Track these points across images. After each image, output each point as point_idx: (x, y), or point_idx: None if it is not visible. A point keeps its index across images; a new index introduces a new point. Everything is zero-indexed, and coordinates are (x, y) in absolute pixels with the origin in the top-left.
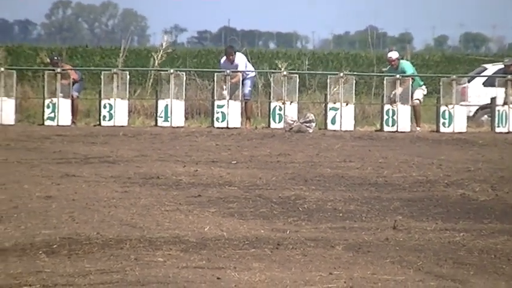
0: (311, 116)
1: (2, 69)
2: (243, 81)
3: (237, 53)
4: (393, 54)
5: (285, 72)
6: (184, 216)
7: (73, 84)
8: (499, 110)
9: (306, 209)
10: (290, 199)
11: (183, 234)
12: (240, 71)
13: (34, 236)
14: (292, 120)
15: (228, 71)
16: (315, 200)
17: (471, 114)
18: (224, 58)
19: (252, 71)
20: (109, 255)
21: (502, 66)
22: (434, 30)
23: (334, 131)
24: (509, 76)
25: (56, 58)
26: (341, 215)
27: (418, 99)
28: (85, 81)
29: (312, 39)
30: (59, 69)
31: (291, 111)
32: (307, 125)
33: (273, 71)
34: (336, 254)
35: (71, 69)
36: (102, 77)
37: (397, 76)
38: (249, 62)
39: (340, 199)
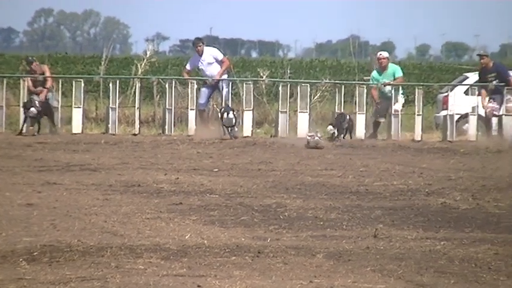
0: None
1: None
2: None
3: (207, 46)
4: (385, 53)
5: (266, 80)
6: (165, 224)
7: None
8: (482, 117)
9: (287, 217)
10: (271, 207)
11: (164, 242)
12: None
13: (15, 243)
14: (309, 136)
15: (209, 80)
16: (296, 208)
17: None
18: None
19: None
20: (90, 262)
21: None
22: (416, 39)
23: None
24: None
25: (31, 58)
26: (322, 223)
27: (397, 110)
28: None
29: (294, 48)
30: (40, 76)
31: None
32: (321, 139)
33: (255, 79)
34: (316, 262)
35: (49, 77)
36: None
37: (382, 81)
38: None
39: (321, 207)
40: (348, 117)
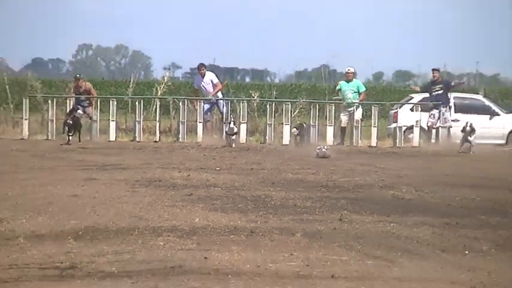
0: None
1: (39, 96)
2: (215, 103)
3: (208, 71)
4: (352, 68)
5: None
6: (179, 210)
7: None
8: (424, 129)
9: (273, 205)
10: (261, 197)
11: (179, 224)
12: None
13: (64, 225)
14: (318, 148)
15: (213, 99)
16: (280, 198)
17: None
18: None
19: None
20: (121, 240)
21: (425, 96)
22: (372, 68)
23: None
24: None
25: (78, 75)
26: (300, 209)
27: (358, 120)
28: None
29: (278, 74)
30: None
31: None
32: (327, 151)
33: (248, 98)
34: (295, 239)
35: (92, 96)
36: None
37: (351, 93)
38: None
39: (299, 197)
40: (304, 125)
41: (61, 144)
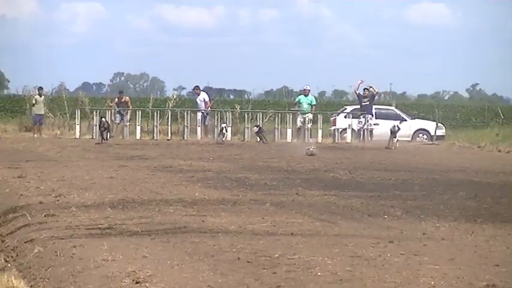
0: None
1: (87, 108)
2: (206, 114)
3: (202, 92)
4: (308, 86)
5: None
6: (184, 188)
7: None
8: (354, 130)
9: (250, 184)
10: (241, 179)
11: (184, 197)
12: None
13: (103, 198)
14: (307, 148)
15: (203, 112)
16: (255, 179)
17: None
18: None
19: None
20: (144, 208)
21: (356, 107)
22: (318, 87)
23: (268, 142)
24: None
25: (122, 90)
26: (268, 187)
27: (309, 123)
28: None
29: (253, 93)
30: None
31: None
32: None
33: (232, 110)
34: (265, 208)
35: (130, 108)
36: (139, 113)
37: (306, 104)
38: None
39: (268, 179)
40: (261, 127)
41: (96, 143)
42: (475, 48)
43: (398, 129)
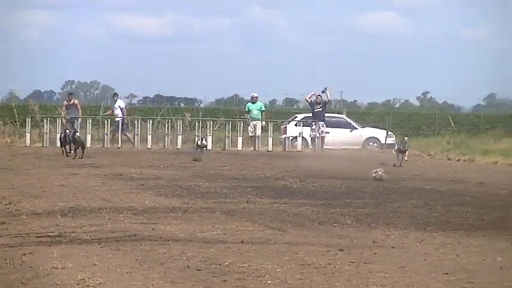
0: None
1: (38, 116)
2: (124, 122)
3: (119, 99)
4: (255, 94)
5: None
6: (135, 196)
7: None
8: (305, 138)
9: (200, 192)
10: (192, 187)
11: (134, 205)
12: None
13: (54, 206)
14: (375, 171)
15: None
16: (205, 187)
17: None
18: None
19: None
20: (94, 216)
21: (307, 115)
22: (268, 95)
23: (219, 151)
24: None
25: (71, 94)
26: (219, 195)
27: (258, 133)
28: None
29: (204, 101)
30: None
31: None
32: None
33: (183, 117)
34: (216, 216)
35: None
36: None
37: (256, 110)
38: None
39: (218, 187)
40: (203, 140)
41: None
42: (425, 57)
43: (408, 146)
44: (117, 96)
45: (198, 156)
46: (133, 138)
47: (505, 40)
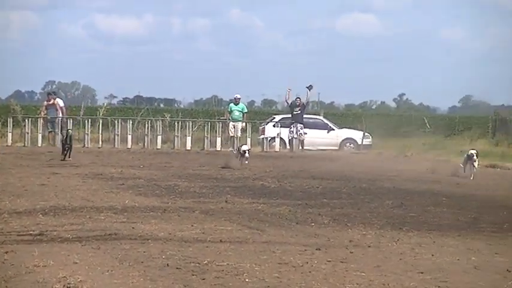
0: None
1: (19, 116)
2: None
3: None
4: (238, 95)
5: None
6: (115, 195)
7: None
8: (283, 139)
9: (179, 191)
10: (171, 186)
11: (114, 204)
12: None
13: (35, 205)
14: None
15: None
16: (184, 187)
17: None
18: None
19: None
20: (75, 215)
21: (285, 116)
22: (248, 97)
23: (198, 151)
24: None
25: (50, 94)
26: (198, 194)
27: (240, 132)
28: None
29: (183, 102)
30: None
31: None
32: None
33: (163, 118)
34: (195, 215)
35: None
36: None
37: (238, 112)
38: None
39: (197, 186)
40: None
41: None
42: (402, 58)
43: (477, 157)
44: (55, 94)
45: (237, 162)
46: (115, 138)
47: (480, 42)
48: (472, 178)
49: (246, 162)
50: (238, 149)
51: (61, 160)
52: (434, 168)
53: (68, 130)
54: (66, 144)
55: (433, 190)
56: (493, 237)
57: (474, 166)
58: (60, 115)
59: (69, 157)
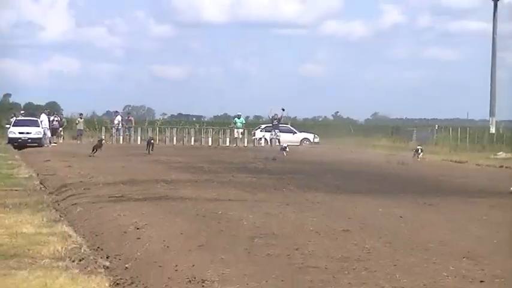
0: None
1: (109, 126)
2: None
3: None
4: (240, 113)
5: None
6: (166, 172)
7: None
8: (266, 139)
9: (204, 170)
10: (199, 167)
11: (165, 178)
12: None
13: (118, 178)
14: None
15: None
16: (207, 167)
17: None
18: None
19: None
20: (142, 185)
21: (268, 125)
22: (244, 114)
23: (215, 146)
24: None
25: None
26: (215, 172)
27: (240, 135)
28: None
29: (206, 117)
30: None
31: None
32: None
33: (194, 127)
34: (213, 184)
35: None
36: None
37: (240, 123)
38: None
39: (215, 167)
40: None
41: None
42: (336, 82)
43: (422, 151)
44: (118, 112)
45: (279, 155)
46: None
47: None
48: (419, 160)
49: (285, 154)
50: (283, 148)
51: (145, 154)
52: (355, 156)
53: (150, 137)
54: (150, 144)
55: (355, 169)
56: (392, 197)
57: (419, 156)
58: (133, 125)
59: (152, 150)
